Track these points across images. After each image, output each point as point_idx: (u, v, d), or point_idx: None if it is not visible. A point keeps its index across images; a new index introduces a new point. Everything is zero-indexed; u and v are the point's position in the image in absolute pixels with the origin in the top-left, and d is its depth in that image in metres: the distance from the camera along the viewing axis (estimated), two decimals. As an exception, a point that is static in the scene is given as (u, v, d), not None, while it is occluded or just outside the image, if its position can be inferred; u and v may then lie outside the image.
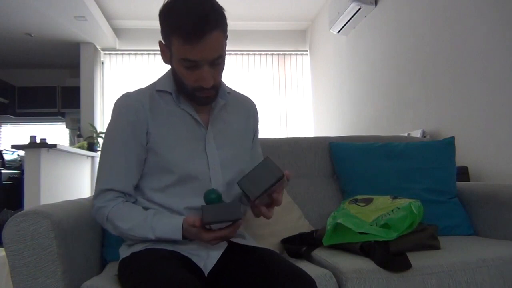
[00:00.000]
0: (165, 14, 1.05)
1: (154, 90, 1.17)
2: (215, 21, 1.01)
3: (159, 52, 1.14)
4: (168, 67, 1.22)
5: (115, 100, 1.18)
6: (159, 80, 1.21)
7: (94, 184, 1.18)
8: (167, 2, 1.06)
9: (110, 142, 1.15)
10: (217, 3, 1.06)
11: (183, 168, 1.12)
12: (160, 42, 1.11)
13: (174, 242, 1.08)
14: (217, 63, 1.07)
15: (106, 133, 1.17)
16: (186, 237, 1.06)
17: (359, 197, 1.50)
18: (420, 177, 1.70)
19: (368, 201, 1.44)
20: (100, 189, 1.13)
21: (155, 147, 1.12)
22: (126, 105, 1.14)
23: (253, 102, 1.33)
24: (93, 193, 1.16)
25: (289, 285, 0.94)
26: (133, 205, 1.14)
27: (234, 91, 1.28)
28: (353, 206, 1.46)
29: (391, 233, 1.29)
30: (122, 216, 1.10)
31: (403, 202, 1.38)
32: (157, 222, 1.08)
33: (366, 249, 1.27)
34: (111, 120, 1.16)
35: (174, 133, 1.14)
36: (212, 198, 1.03)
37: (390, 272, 1.16)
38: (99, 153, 5.31)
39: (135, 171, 1.14)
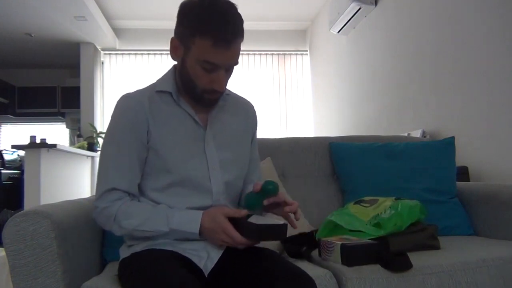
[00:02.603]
0: (191, 14, 1.05)
1: (154, 91, 1.17)
2: (242, 29, 1.06)
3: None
4: (168, 68, 1.22)
5: (115, 100, 1.18)
6: (158, 81, 1.21)
7: (94, 184, 1.17)
8: (192, 1, 1.06)
9: (111, 143, 1.14)
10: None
11: (183, 168, 1.12)
12: (173, 39, 1.10)
13: (178, 240, 1.07)
14: (232, 69, 1.11)
15: (107, 134, 1.16)
16: (203, 231, 1.05)
17: (366, 198, 1.51)
18: (420, 177, 1.70)
19: (373, 202, 1.45)
20: (104, 190, 1.10)
21: (156, 147, 1.12)
22: (127, 106, 1.14)
23: (252, 105, 1.33)
24: (95, 195, 1.13)
25: (289, 285, 0.94)
26: (142, 203, 1.14)
27: (233, 93, 1.28)
28: (356, 206, 1.46)
29: (379, 231, 1.30)
30: (132, 213, 1.08)
31: (399, 202, 1.39)
32: (173, 213, 1.07)
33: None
34: (111, 121, 1.16)
35: (174, 133, 1.14)
36: (270, 189, 1.05)
37: (390, 272, 1.16)
38: (99, 153, 5.30)
39: (137, 170, 1.13)
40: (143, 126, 1.12)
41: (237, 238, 1.01)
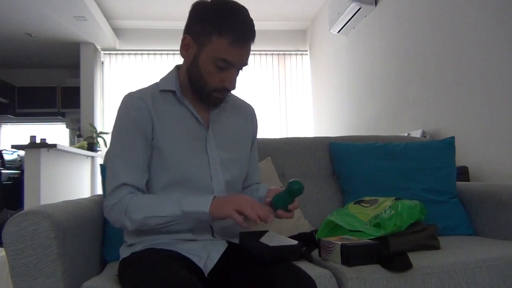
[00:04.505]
0: (209, 13, 1.07)
1: (157, 90, 1.18)
2: (255, 31, 1.10)
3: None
4: (168, 68, 1.22)
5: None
6: (161, 80, 1.21)
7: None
8: (206, 0, 1.09)
9: (119, 141, 1.14)
10: None
11: (185, 167, 1.13)
12: (185, 36, 1.12)
13: (177, 234, 1.08)
14: (241, 70, 1.13)
15: (113, 133, 1.16)
16: (215, 203, 1.04)
17: (366, 198, 1.51)
18: (420, 177, 1.70)
19: (373, 203, 1.45)
20: (114, 186, 1.10)
21: (159, 144, 1.13)
22: (130, 104, 1.14)
23: (252, 108, 1.35)
24: (106, 195, 1.13)
25: (289, 285, 0.95)
26: (152, 194, 1.14)
27: (233, 95, 1.30)
28: (356, 206, 1.47)
29: (379, 231, 1.30)
30: (142, 205, 1.07)
31: (399, 202, 1.39)
32: (184, 197, 1.07)
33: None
34: (116, 120, 1.16)
35: (176, 131, 1.15)
36: (296, 188, 1.05)
37: (390, 272, 1.16)
38: (99, 153, 5.30)
39: (145, 167, 1.13)
40: (147, 124, 1.13)
41: (257, 206, 1.02)
